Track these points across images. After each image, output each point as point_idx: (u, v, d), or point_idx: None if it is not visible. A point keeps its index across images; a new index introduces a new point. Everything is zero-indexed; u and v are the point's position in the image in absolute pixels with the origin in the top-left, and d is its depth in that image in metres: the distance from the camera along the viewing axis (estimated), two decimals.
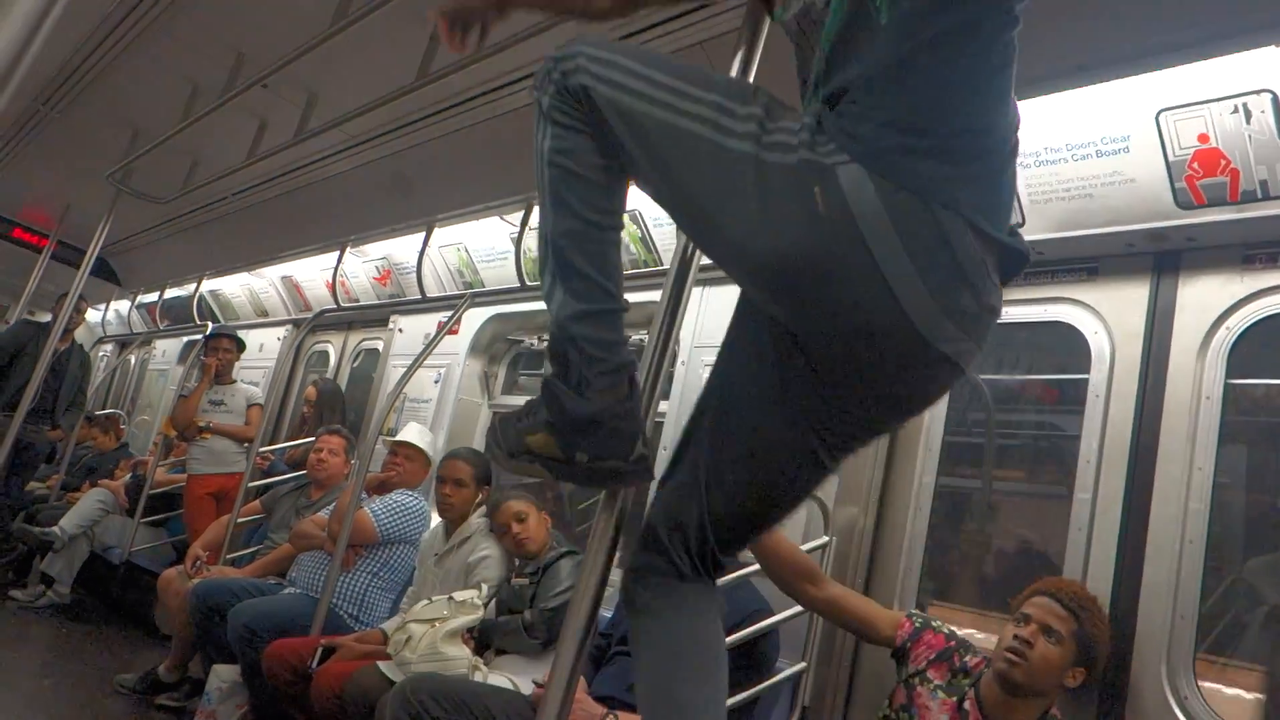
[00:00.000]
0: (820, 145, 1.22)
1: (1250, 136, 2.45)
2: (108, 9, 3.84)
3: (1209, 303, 2.75)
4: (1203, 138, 2.52)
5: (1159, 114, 2.56)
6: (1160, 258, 2.87)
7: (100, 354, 10.72)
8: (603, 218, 1.40)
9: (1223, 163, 2.52)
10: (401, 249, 5.76)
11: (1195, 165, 2.57)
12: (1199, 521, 2.59)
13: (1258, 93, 2.39)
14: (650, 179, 1.37)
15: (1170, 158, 2.60)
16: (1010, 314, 3.16)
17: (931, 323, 1.24)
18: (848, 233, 1.19)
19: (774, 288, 1.31)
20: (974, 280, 1.26)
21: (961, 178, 1.23)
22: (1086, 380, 2.95)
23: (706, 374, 3.95)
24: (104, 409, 8.88)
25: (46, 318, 7.55)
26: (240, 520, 5.08)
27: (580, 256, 1.38)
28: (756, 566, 2.75)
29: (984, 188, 1.27)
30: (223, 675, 3.94)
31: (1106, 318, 2.96)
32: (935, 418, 3.26)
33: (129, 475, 6.75)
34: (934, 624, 2.60)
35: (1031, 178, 2.89)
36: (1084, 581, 2.70)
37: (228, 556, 4.93)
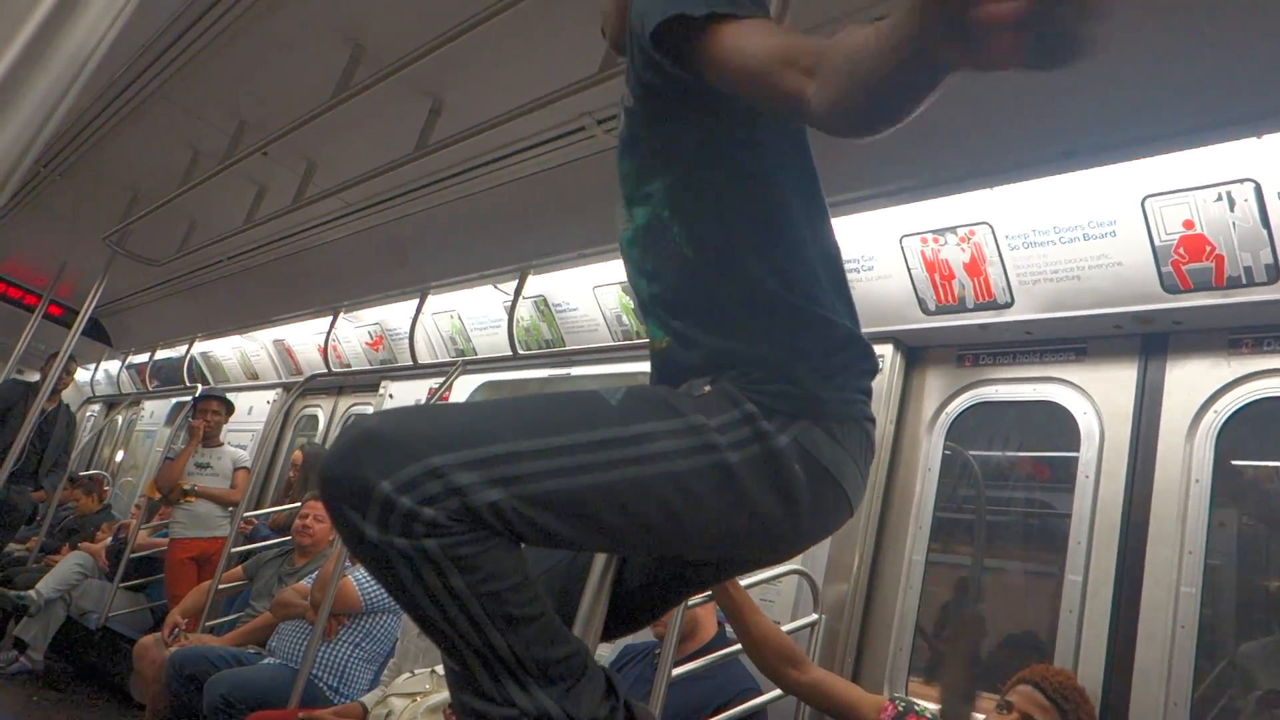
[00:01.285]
0: (764, 423, 1.25)
1: (1234, 224, 2.50)
2: (115, 75, 3.91)
3: (1197, 385, 2.78)
4: (1188, 224, 2.57)
5: (1145, 200, 2.61)
6: (1148, 339, 2.91)
7: (87, 414, 10.65)
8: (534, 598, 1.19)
9: (1208, 248, 2.56)
10: (394, 315, 5.78)
11: (1181, 250, 2.61)
12: (1191, 605, 2.58)
13: (1241, 181, 2.44)
14: (607, 538, 1.22)
15: (1156, 242, 2.64)
16: (1001, 392, 3.20)
17: (861, 496, 1.38)
18: (826, 483, 1.29)
19: (740, 549, 1.36)
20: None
21: (856, 378, 1.35)
22: (1076, 459, 2.96)
23: None
24: (88, 470, 8.79)
25: (35, 376, 7.51)
26: (222, 586, 5.00)
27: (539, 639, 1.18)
28: (739, 646, 2.72)
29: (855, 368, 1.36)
30: None
31: (1095, 398, 2.98)
32: (926, 494, 3.26)
33: (110, 538, 6.65)
34: (917, 708, 2.56)
35: (1020, 259, 2.93)
36: (1076, 664, 2.68)
37: (207, 624, 4.84)
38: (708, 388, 1.28)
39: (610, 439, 1.17)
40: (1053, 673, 2.46)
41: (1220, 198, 2.49)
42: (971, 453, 3.34)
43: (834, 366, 1.31)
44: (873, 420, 1.38)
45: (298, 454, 6.06)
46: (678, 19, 1.13)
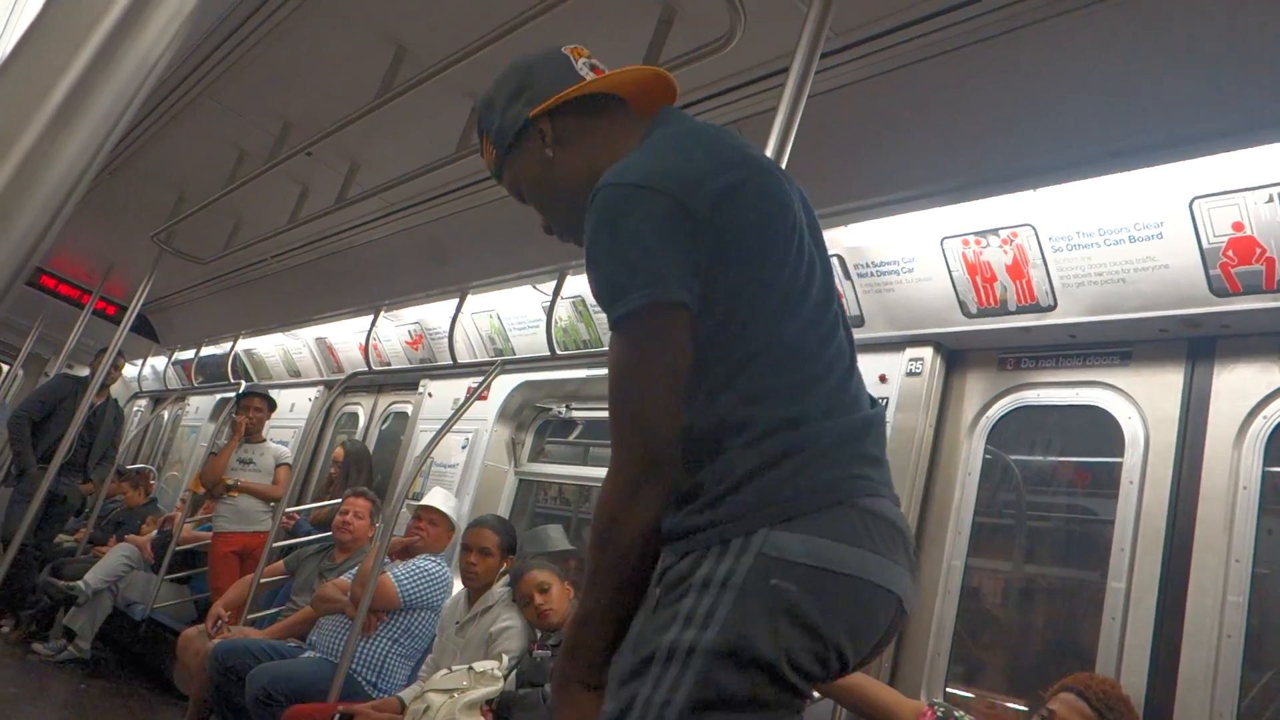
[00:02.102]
0: (712, 564, 1.22)
1: None
2: (164, 76, 3.98)
3: (1245, 390, 2.72)
4: (1237, 226, 2.52)
5: (1193, 201, 2.56)
6: (1195, 343, 2.85)
7: (134, 409, 10.85)
8: None
9: (1258, 251, 2.51)
10: (434, 314, 5.83)
11: (1230, 253, 2.56)
12: (1237, 614, 2.53)
13: None
14: None
15: (1204, 245, 2.59)
16: (1043, 396, 3.16)
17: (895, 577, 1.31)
18: (823, 579, 1.22)
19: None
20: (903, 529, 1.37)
21: (832, 467, 1.30)
22: (1120, 464, 2.91)
23: None
24: (135, 464, 8.96)
25: (84, 372, 7.67)
26: (264, 580, 5.08)
27: None
28: None
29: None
30: None
31: (1140, 403, 2.93)
32: (966, 499, 3.22)
33: (155, 531, 6.78)
34: (956, 715, 2.54)
35: (1063, 261, 2.89)
36: (1119, 672, 2.63)
37: (249, 617, 4.91)
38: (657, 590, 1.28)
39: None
40: (1096, 681, 2.42)
41: (1271, 199, 2.43)
42: (1012, 457, 3.30)
43: (784, 471, 1.26)
44: (875, 497, 1.32)
45: (339, 451, 6.12)
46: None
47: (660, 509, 1.27)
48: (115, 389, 7.81)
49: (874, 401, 1.45)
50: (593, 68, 1.53)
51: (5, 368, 12.32)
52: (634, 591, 1.29)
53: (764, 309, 1.32)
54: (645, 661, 1.20)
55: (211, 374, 8.83)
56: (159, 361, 10.15)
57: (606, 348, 4.87)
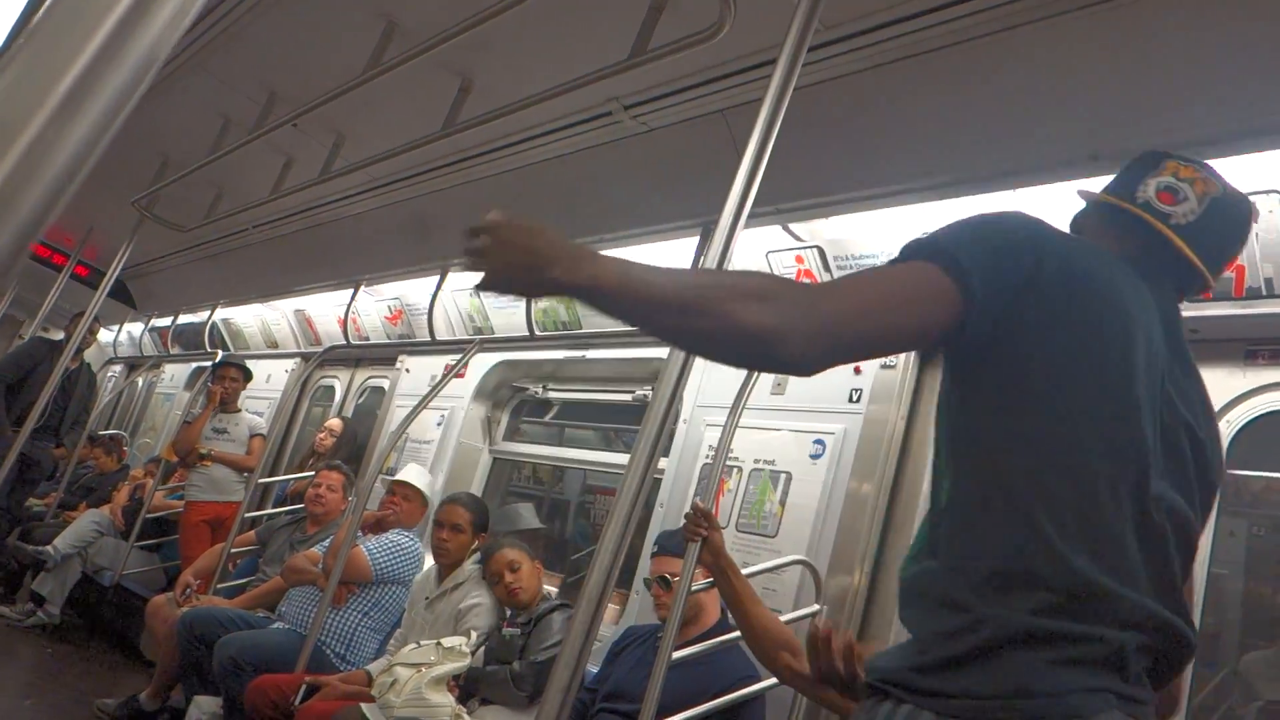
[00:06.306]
0: None
1: (1258, 235, 2.49)
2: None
3: (1211, 395, 2.76)
4: None
5: None
6: None
7: (109, 375, 10.77)
8: None
9: None
10: (414, 290, 5.82)
11: None
12: (1193, 613, 2.58)
13: (1267, 193, 2.43)
14: None
15: None
16: None
17: None
18: None
19: None
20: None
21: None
22: None
23: (708, 434, 3.94)
24: (108, 430, 8.90)
25: (59, 335, 7.60)
26: (234, 550, 5.07)
27: None
28: (738, 634, 2.75)
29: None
30: (204, 707, 3.91)
31: None
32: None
33: (127, 497, 6.75)
34: None
35: None
36: None
37: (219, 586, 4.92)
38: None
39: None
40: None
41: None
42: None
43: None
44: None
45: (336, 422, 6.10)
46: None
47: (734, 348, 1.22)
48: (90, 354, 7.76)
49: None
50: None
51: None
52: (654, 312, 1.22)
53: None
54: None
55: (188, 342, 8.78)
56: (135, 328, 10.07)
57: (585, 330, 4.85)
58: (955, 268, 1.21)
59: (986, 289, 1.21)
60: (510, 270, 1.29)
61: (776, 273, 3.57)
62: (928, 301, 1.22)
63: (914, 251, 1.27)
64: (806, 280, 3.38)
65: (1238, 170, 2.40)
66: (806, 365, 1.19)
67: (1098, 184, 2.61)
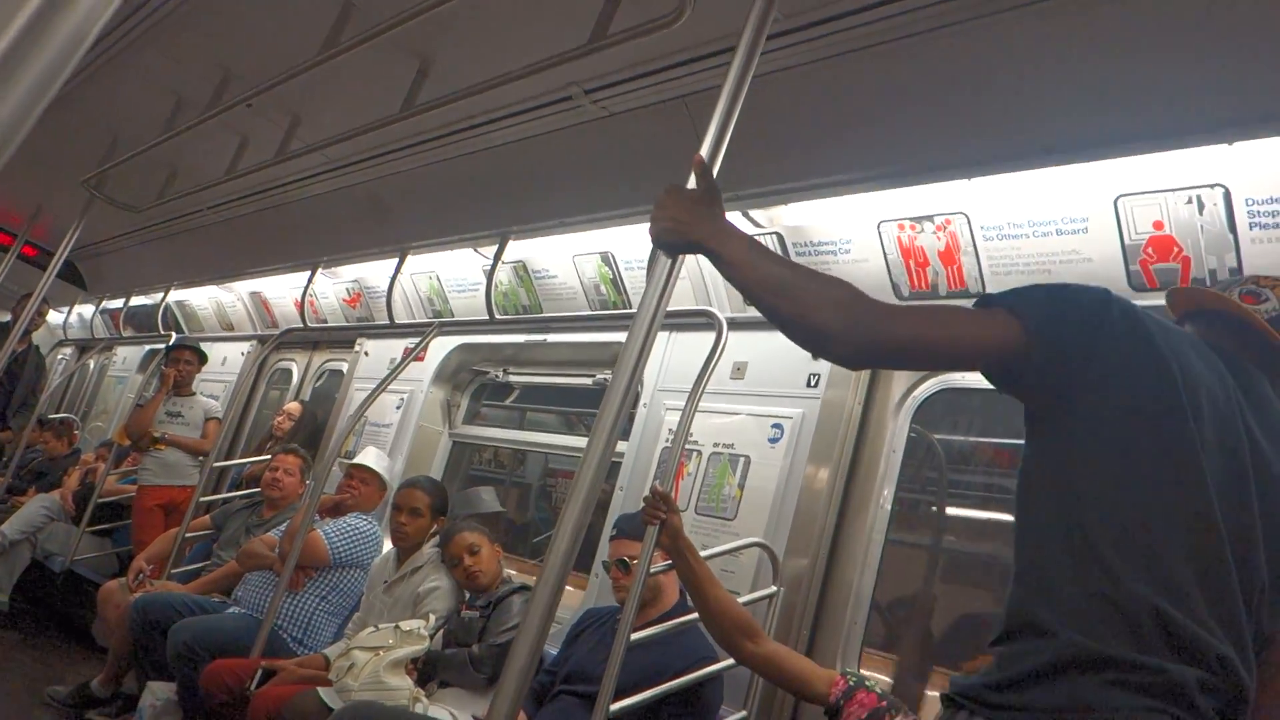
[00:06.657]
0: None
1: (1202, 227, 2.56)
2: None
3: None
4: (1158, 224, 2.62)
5: (1118, 199, 2.66)
6: None
7: (59, 357, 10.56)
8: None
9: (1175, 249, 2.62)
10: (373, 273, 5.77)
11: (1150, 250, 2.67)
12: None
13: (1211, 186, 2.49)
14: None
15: (1127, 241, 2.70)
16: (968, 378, 3.26)
17: None
18: None
19: None
20: None
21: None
22: None
23: (667, 417, 3.96)
24: (58, 413, 8.73)
25: (6, 317, 7.43)
26: (189, 535, 5.02)
27: None
28: (696, 616, 2.78)
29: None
30: (157, 692, 3.88)
31: None
32: (889, 475, 3.32)
33: (79, 482, 6.64)
34: (867, 683, 2.62)
35: (994, 250, 2.99)
36: None
37: (173, 571, 4.86)
38: None
39: None
40: None
41: (1190, 200, 2.54)
42: (936, 436, 3.41)
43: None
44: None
45: (295, 406, 6.04)
46: None
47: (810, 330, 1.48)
48: (39, 336, 7.61)
49: None
50: None
51: None
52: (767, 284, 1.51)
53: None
54: None
55: (141, 324, 8.63)
56: (86, 309, 9.88)
57: (545, 314, 4.84)
58: (1018, 303, 1.43)
59: (1042, 318, 1.40)
60: (670, 229, 1.61)
61: None
62: (982, 324, 1.44)
63: (983, 302, 1.49)
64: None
65: (1185, 164, 2.47)
66: (851, 366, 1.78)
67: (1050, 175, 2.68)
